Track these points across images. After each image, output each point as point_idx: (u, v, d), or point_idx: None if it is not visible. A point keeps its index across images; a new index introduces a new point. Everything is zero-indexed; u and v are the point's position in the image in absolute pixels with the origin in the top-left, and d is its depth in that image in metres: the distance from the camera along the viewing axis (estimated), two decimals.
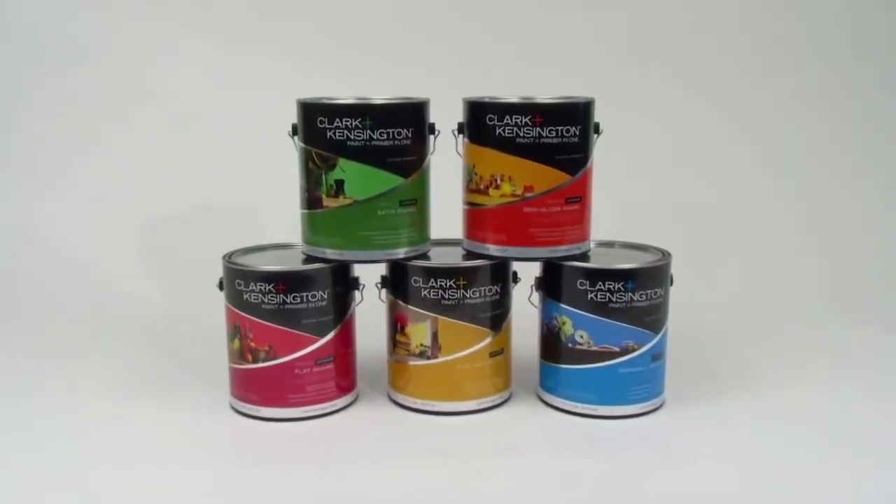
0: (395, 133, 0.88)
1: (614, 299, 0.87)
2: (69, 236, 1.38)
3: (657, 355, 0.90)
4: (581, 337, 0.89)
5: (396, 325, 0.93)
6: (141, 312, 1.27)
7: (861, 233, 1.43)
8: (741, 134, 1.46)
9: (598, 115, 0.92)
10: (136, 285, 1.34)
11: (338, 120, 0.87)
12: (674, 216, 1.43)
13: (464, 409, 0.91)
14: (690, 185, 1.45)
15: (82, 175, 1.40)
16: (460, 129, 0.93)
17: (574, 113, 0.89)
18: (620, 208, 1.41)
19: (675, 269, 0.93)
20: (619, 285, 0.87)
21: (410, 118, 0.89)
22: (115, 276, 1.34)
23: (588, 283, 0.88)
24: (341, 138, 0.87)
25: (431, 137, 0.92)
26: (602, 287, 0.88)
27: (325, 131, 0.87)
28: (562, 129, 0.88)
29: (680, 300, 1.01)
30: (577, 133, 0.89)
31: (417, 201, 0.91)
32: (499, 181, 0.90)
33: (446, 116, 0.93)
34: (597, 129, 0.92)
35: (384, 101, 0.89)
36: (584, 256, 0.93)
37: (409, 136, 0.89)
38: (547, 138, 0.88)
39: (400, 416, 0.92)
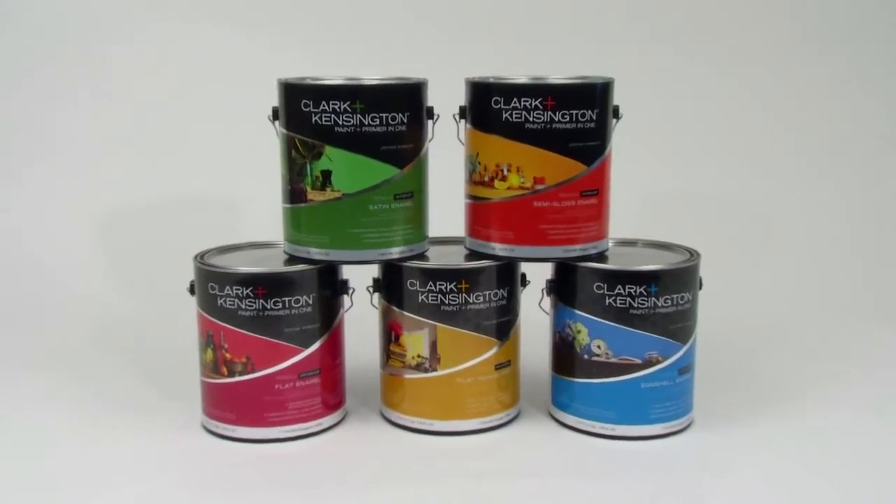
0: (389, 118, 0.88)
1: (636, 305, 0.88)
2: (22, 233, 1.38)
3: (684, 368, 0.91)
4: (598, 347, 0.89)
5: (390, 334, 0.93)
6: (101, 319, 1.27)
7: None
8: (777, 119, 1.46)
9: (618, 98, 0.92)
10: (96, 289, 1.34)
11: (324, 103, 0.87)
12: (703, 211, 1.43)
13: (466, 429, 0.91)
14: (721, 177, 1.45)
15: (37, 165, 1.40)
16: (462, 113, 0.93)
17: (590, 95, 0.89)
18: (643, 202, 1.41)
19: (705, 271, 0.93)
20: (642, 289, 0.87)
21: (406, 101, 0.89)
22: (72, 279, 1.34)
23: (606, 286, 0.88)
24: (328, 123, 0.87)
25: (430, 123, 0.93)
26: (622, 291, 0.88)
27: (310, 115, 0.87)
28: (576, 114, 0.88)
29: (710, 306, 1.01)
30: (594, 118, 0.89)
31: (414, 195, 0.91)
32: (505, 172, 0.90)
33: (446, 99, 0.93)
34: (616, 114, 0.92)
35: (376, 82, 0.89)
36: (601, 257, 0.93)
37: (405, 121, 0.89)
38: (560, 123, 0.88)
39: (394, 437, 0.92)
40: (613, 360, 0.89)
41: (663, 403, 0.90)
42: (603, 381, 0.89)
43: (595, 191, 0.91)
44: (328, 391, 0.92)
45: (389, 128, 0.88)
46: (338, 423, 0.94)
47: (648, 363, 0.88)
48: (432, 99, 0.93)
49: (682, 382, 0.91)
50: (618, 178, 0.95)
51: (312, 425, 0.91)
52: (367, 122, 0.87)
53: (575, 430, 0.92)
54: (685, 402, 0.92)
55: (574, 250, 0.91)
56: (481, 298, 0.90)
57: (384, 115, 0.88)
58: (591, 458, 0.87)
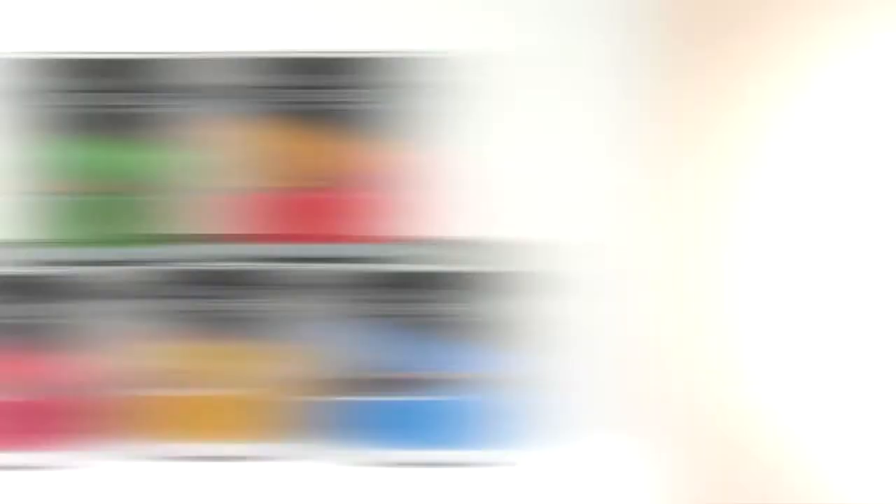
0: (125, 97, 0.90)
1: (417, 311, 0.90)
2: None
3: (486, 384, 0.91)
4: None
5: (142, 349, 0.93)
6: None
7: None
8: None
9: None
10: None
11: (56, 80, 0.89)
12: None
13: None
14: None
15: None
16: (220, 92, 0.93)
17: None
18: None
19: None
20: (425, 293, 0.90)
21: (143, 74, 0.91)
22: None
23: (381, 292, 0.91)
24: (63, 104, 0.89)
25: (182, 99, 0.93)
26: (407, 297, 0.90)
27: (42, 95, 0.89)
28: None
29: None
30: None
31: (159, 187, 0.92)
32: (273, 163, 0.92)
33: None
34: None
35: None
36: (386, 259, 0.93)
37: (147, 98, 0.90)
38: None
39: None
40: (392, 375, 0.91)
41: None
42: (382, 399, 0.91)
43: (382, 181, 0.92)
44: (57, 419, 0.91)
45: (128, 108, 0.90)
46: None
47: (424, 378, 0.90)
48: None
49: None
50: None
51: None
52: (100, 101, 0.89)
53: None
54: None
55: (356, 251, 0.92)
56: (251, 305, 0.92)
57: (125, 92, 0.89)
58: None
